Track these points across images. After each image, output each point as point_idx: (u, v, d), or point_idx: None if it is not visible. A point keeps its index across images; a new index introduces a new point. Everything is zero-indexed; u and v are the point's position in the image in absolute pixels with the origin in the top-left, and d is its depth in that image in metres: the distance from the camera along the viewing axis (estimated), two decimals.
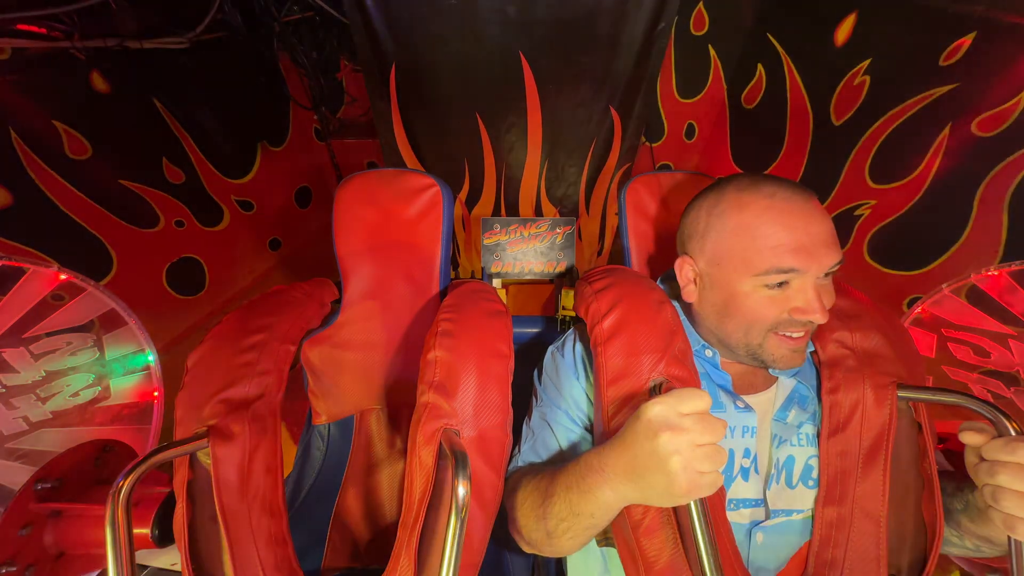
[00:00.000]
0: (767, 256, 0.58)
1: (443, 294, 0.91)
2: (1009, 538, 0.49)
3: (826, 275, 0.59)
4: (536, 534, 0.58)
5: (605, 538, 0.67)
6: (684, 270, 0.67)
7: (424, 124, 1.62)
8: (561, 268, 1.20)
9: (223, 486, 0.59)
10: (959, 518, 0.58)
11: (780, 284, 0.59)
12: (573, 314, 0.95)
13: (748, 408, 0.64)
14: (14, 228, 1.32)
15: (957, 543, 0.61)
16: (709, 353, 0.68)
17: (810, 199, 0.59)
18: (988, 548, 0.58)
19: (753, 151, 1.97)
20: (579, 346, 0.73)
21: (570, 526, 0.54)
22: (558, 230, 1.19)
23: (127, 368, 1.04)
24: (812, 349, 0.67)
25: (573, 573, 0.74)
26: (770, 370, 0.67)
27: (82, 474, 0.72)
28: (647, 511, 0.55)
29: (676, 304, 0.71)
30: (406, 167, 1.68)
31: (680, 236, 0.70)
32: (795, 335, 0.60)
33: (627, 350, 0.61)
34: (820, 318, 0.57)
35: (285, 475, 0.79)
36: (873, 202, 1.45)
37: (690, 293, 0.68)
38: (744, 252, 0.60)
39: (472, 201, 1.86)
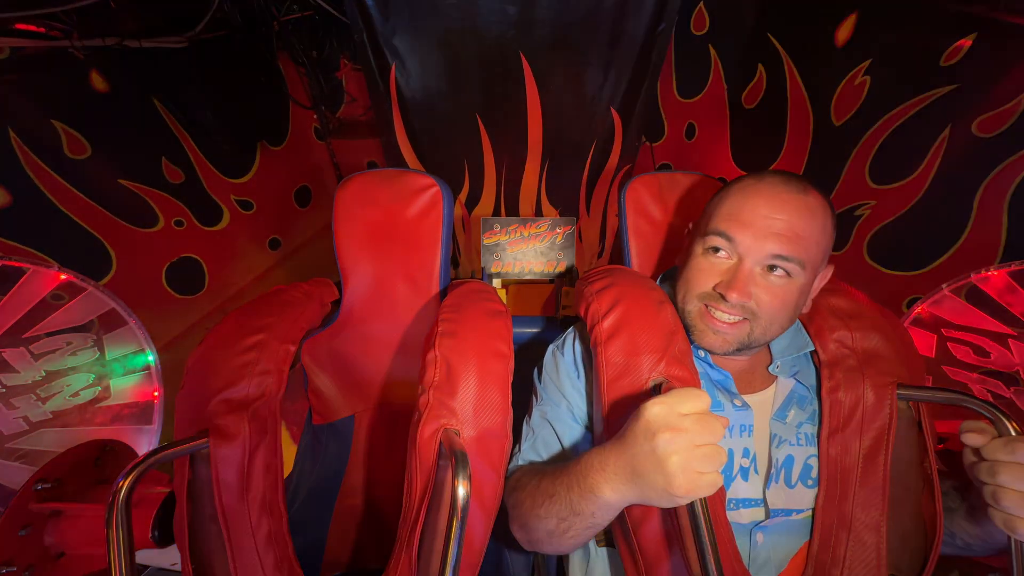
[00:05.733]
0: (714, 219, 0.62)
1: (443, 294, 0.91)
2: (1009, 538, 0.49)
3: (772, 268, 0.58)
4: (537, 533, 0.59)
5: (605, 538, 0.67)
6: (685, 240, 0.72)
7: (424, 124, 1.62)
8: (561, 268, 1.20)
9: (223, 486, 0.59)
10: (953, 516, 0.59)
11: (716, 250, 0.61)
12: (573, 314, 0.95)
13: (746, 406, 0.64)
14: (14, 228, 1.32)
15: (948, 540, 0.61)
16: (702, 353, 0.68)
17: (796, 194, 0.59)
18: (979, 546, 0.58)
19: (753, 151, 1.96)
20: (579, 345, 0.73)
21: (571, 525, 0.54)
22: (558, 230, 1.19)
23: (127, 368, 1.04)
24: (812, 348, 0.67)
25: (573, 573, 0.75)
26: (769, 368, 0.67)
27: (82, 474, 0.72)
28: (647, 511, 0.55)
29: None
30: (407, 167, 1.68)
31: None
32: (717, 314, 0.60)
33: (627, 350, 0.61)
34: (735, 296, 0.58)
35: (285, 475, 0.79)
36: (873, 202, 1.45)
37: (680, 258, 0.72)
38: (710, 214, 0.64)
39: (472, 201, 1.86)
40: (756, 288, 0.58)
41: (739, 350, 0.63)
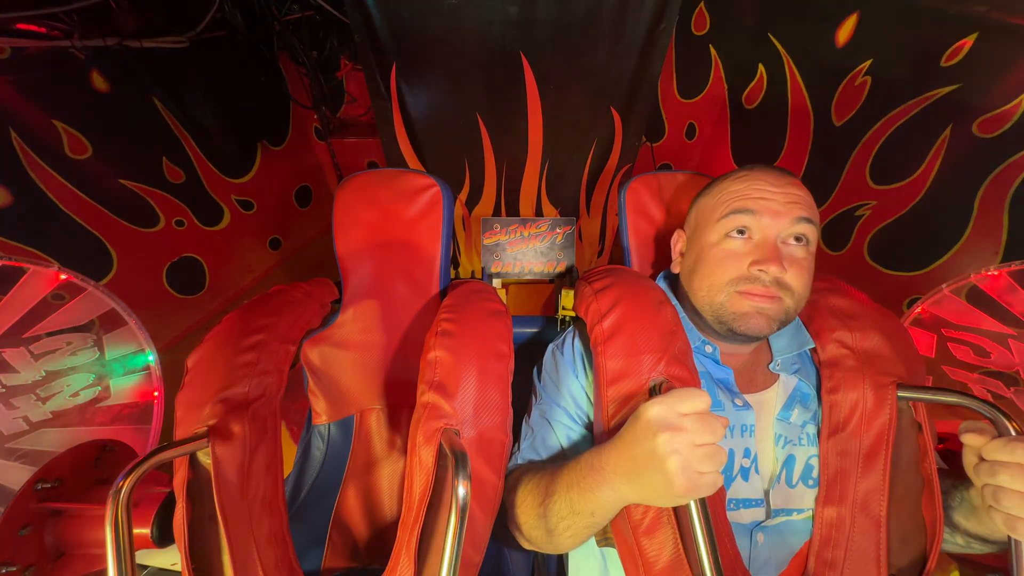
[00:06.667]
0: (726, 202, 0.64)
1: (443, 294, 0.91)
2: (1009, 538, 0.49)
3: (798, 239, 0.61)
4: (536, 531, 0.59)
5: (605, 538, 0.67)
6: (677, 245, 0.74)
7: (424, 124, 1.62)
8: (561, 268, 1.20)
9: (223, 486, 0.59)
10: (953, 515, 0.59)
11: (741, 232, 0.62)
12: (573, 314, 0.94)
13: (747, 406, 0.64)
14: (14, 228, 1.32)
15: (948, 539, 0.61)
16: (709, 349, 0.68)
17: (785, 175, 0.64)
18: (979, 545, 0.58)
19: (754, 151, 1.97)
20: (579, 344, 0.73)
21: (570, 524, 0.54)
22: (558, 230, 1.19)
23: (127, 368, 1.03)
24: (812, 346, 0.67)
25: (573, 573, 0.74)
26: (770, 366, 0.67)
27: (82, 474, 0.72)
28: (647, 511, 0.55)
29: (676, 304, 0.71)
30: (407, 167, 1.68)
31: None
32: (756, 292, 0.60)
33: (627, 350, 0.61)
34: (776, 269, 0.58)
35: (285, 475, 0.79)
36: (874, 203, 1.45)
37: (676, 264, 0.73)
38: (712, 206, 0.66)
39: (472, 201, 1.86)
40: (785, 261, 0.59)
41: (777, 330, 0.63)
